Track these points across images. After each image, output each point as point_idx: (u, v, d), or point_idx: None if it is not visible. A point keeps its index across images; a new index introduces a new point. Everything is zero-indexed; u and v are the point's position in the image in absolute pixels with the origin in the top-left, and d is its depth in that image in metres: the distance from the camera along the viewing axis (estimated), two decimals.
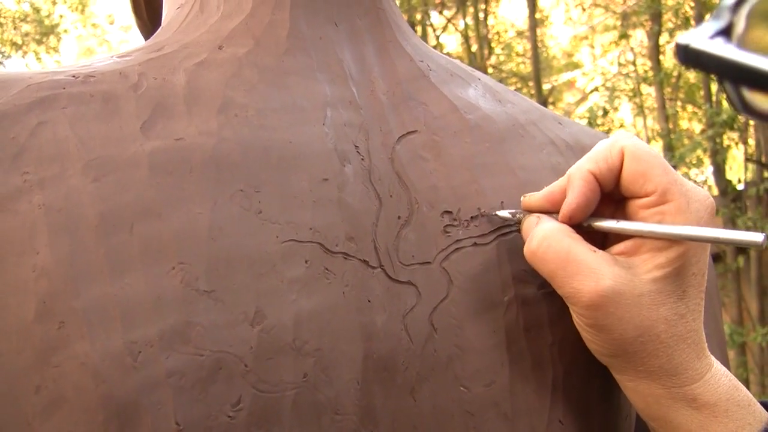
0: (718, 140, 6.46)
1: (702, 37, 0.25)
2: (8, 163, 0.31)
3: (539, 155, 0.42)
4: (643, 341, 0.34)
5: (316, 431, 0.31)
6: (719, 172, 6.85)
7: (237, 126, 0.35)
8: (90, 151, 0.32)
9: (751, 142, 7.19)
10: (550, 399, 0.37)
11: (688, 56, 0.25)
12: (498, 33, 10.17)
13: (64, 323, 0.29)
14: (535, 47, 8.28)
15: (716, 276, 0.49)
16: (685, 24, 7.78)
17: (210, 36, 0.39)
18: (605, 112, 7.63)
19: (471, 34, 9.20)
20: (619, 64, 9.44)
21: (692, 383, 0.34)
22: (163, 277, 0.30)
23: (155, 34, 0.42)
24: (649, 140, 8.44)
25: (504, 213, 0.38)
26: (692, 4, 7.35)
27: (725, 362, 0.46)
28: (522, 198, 0.38)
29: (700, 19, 6.85)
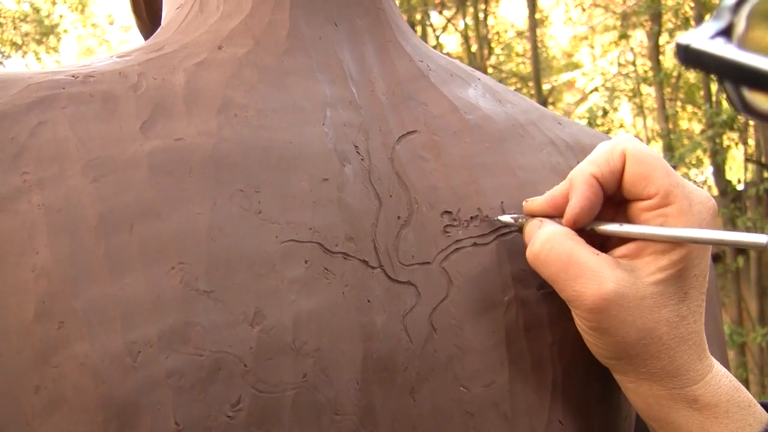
0: (717, 140, 6.46)
1: (702, 37, 0.25)
2: (8, 163, 0.31)
3: (539, 155, 0.42)
4: (645, 343, 0.34)
5: (316, 431, 0.31)
6: (719, 172, 6.85)
7: (237, 126, 0.35)
8: (89, 151, 0.32)
9: (751, 142, 7.19)
10: (549, 399, 0.37)
11: (689, 56, 0.25)
12: (498, 33, 10.17)
13: (64, 323, 0.29)
14: (534, 47, 8.28)
15: (716, 276, 0.49)
16: (685, 24, 7.78)
17: (210, 36, 0.39)
18: (605, 113, 7.63)
19: (471, 34, 9.20)
20: (619, 65, 9.45)
21: (693, 384, 0.34)
22: (162, 277, 0.30)
23: (155, 34, 0.42)
24: (648, 140, 8.45)
25: (506, 218, 0.38)
26: (692, 5, 7.36)
27: (725, 363, 0.46)
28: (524, 202, 0.38)
29: (699, 19, 6.85)
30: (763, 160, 6.84)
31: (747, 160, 7.16)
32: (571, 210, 0.36)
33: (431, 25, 9.37)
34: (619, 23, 9.07)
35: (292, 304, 0.32)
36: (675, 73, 8.04)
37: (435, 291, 0.36)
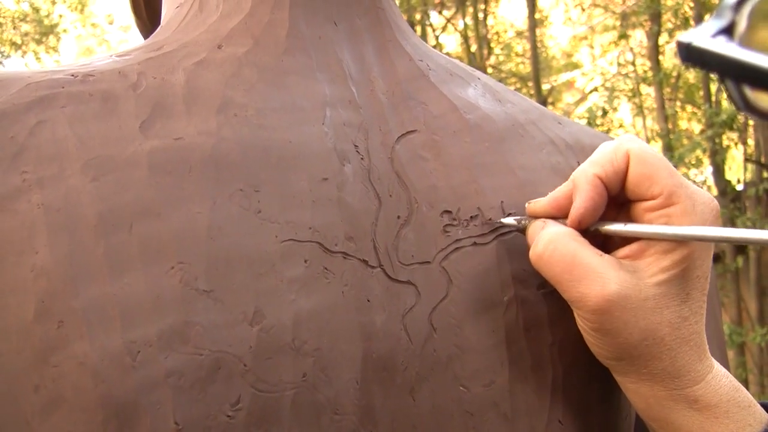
0: (717, 140, 6.47)
1: (704, 36, 0.25)
2: (7, 163, 0.31)
3: (539, 155, 0.42)
4: (647, 344, 0.34)
5: (316, 431, 0.31)
6: (718, 172, 6.85)
7: (236, 125, 0.35)
8: (89, 150, 0.32)
9: (751, 142, 7.20)
10: (549, 399, 0.37)
11: (690, 55, 0.25)
12: (497, 33, 10.17)
13: (63, 323, 0.29)
14: (534, 47, 8.28)
15: (715, 276, 0.49)
16: (685, 24, 7.78)
17: (209, 35, 0.39)
18: (604, 113, 7.63)
19: (470, 34, 9.20)
20: (619, 65, 9.45)
21: (694, 385, 0.34)
22: (162, 276, 0.30)
23: (154, 33, 0.42)
24: (648, 140, 8.45)
25: (509, 220, 0.38)
26: (692, 5, 7.36)
27: (725, 363, 0.46)
28: (527, 204, 0.38)
29: (699, 19, 6.85)
30: (762, 160, 6.84)
31: (746, 160, 7.16)
32: (576, 211, 0.35)
33: (431, 24, 9.37)
34: (618, 23, 9.07)
35: (291, 303, 0.32)
36: (674, 73, 8.04)
37: (435, 290, 0.36)
